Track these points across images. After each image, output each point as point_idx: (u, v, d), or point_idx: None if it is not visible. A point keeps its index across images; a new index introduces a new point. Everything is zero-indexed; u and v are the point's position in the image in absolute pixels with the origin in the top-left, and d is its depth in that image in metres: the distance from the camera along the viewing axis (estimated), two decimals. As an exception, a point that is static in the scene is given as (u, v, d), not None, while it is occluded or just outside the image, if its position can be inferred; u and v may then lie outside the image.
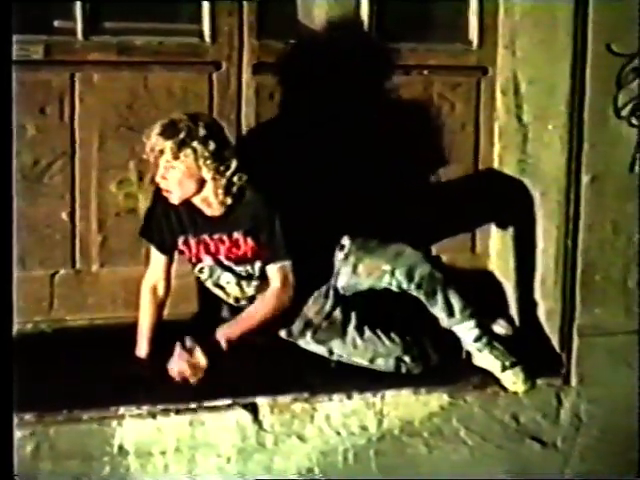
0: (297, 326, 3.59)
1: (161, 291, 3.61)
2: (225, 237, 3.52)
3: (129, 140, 3.66)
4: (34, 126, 3.58)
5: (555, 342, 3.87)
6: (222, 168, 3.38)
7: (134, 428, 3.34)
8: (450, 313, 3.57)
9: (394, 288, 3.54)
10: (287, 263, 3.47)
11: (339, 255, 3.63)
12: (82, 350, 3.52)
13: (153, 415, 3.35)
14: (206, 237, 3.53)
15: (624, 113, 3.75)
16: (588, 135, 3.74)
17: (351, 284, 3.61)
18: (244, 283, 3.58)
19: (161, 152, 3.33)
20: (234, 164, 3.40)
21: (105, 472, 3.34)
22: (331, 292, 3.61)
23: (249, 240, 3.50)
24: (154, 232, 3.58)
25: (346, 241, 3.63)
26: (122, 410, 3.31)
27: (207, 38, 3.71)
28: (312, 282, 3.60)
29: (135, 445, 3.35)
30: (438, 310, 3.57)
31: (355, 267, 3.58)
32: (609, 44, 3.68)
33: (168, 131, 3.31)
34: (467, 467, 3.70)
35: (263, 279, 3.55)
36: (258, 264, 3.54)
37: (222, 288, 3.62)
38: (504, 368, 3.61)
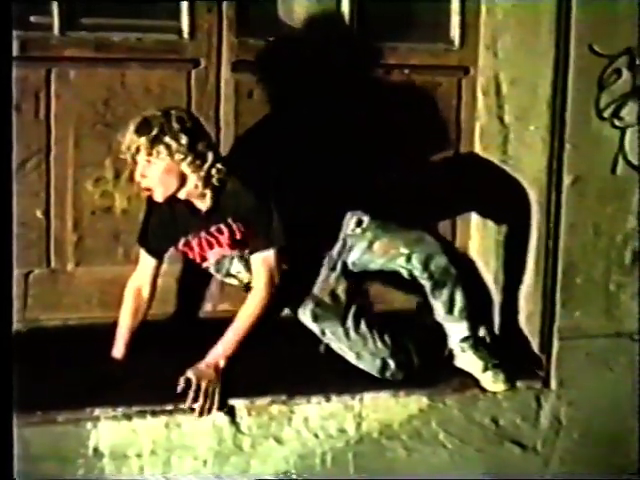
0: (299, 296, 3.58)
1: (145, 294, 3.57)
2: (222, 226, 3.46)
3: (106, 137, 3.62)
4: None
5: (535, 344, 3.86)
6: (198, 162, 3.35)
7: (109, 430, 3.32)
8: (450, 310, 3.58)
9: (404, 273, 3.54)
10: (271, 252, 3.40)
11: (356, 230, 3.60)
12: (57, 350, 3.49)
13: (128, 417, 3.32)
14: (203, 233, 3.48)
15: (606, 114, 3.74)
16: (570, 136, 3.73)
17: (363, 260, 3.58)
18: None
19: (137, 150, 3.31)
20: (210, 156, 3.36)
21: (80, 474, 3.31)
22: (339, 265, 3.59)
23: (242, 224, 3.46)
24: (151, 240, 3.55)
25: (365, 217, 3.60)
26: (97, 412, 3.29)
27: (186, 35, 3.68)
28: (314, 265, 3.59)
29: (110, 447, 3.33)
30: (439, 303, 3.58)
31: (371, 244, 3.56)
32: (591, 45, 3.67)
33: (142, 129, 3.30)
34: (446, 470, 3.69)
35: None
36: None
37: (234, 276, 3.58)
38: (486, 368, 3.61)
